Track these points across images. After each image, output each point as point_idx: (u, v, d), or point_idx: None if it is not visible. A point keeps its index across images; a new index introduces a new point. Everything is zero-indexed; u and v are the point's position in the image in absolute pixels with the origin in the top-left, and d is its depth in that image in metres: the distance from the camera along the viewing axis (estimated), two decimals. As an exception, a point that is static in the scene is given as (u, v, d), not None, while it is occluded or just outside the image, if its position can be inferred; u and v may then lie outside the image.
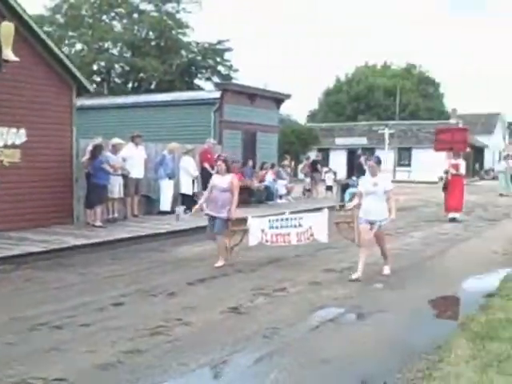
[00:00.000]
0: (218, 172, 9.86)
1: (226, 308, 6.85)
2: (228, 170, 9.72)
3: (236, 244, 9.86)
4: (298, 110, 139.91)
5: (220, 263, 9.40)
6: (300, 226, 9.47)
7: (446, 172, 16.62)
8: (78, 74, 13.87)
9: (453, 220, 16.08)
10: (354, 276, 8.40)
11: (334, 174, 27.15)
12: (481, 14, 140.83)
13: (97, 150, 13.56)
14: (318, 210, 10.36)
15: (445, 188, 16.70)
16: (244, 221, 10.00)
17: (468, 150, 17.36)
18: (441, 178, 30.20)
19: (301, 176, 26.90)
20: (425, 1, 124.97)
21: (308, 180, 25.06)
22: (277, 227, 9.53)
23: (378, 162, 8.70)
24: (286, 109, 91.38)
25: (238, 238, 9.88)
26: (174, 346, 5.54)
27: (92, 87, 16.34)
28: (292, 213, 10.07)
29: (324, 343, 5.64)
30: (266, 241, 9.61)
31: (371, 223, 8.46)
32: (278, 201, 21.11)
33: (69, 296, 7.55)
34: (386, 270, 8.83)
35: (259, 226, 9.68)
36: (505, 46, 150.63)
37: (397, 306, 7.07)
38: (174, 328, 6.08)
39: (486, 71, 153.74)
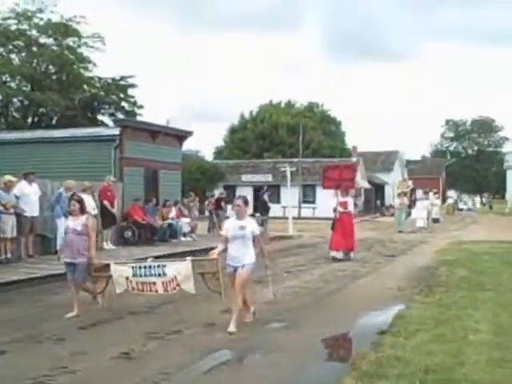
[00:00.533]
0: (71, 213, 8.98)
1: (116, 353, 6.59)
2: (82, 211, 8.87)
3: (101, 291, 9.11)
4: (206, 146, 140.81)
5: (73, 313, 8.54)
6: (164, 274, 8.43)
7: (335, 210, 16.36)
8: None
9: (336, 259, 15.74)
10: (230, 328, 7.58)
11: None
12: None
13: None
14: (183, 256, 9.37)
15: (333, 226, 16.35)
16: (107, 267, 9.14)
17: (355, 187, 17.91)
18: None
19: (207, 213, 26.79)
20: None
21: (211, 217, 25.02)
22: (140, 275, 8.56)
23: (245, 202, 7.99)
24: (194, 145, 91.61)
25: (102, 285, 9.13)
26: (56, 397, 5.24)
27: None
28: (156, 259, 9.20)
29: (216, 388, 5.51)
30: (133, 288, 8.68)
31: (235, 269, 7.89)
32: (182, 239, 20.90)
33: None
34: (249, 318, 8.17)
35: (123, 273, 8.76)
36: (398, 88, 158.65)
37: (292, 346, 7.04)
38: (57, 377, 5.76)
39: (382, 112, 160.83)
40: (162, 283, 8.43)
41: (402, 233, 27.20)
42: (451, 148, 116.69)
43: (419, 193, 39.91)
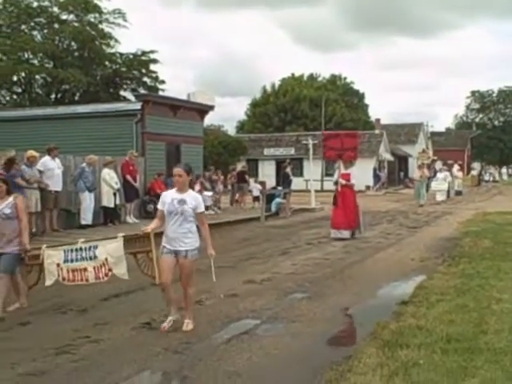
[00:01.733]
0: None
1: (138, 323, 6.66)
2: (8, 192, 7.43)
3: (34, 284, 7.90)
4: (228, 120, 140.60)
5: (16, 305, 7.52)
6: (95, 257, 7.22)
7: (336, 183, 15.09)
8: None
9: (339, 239, 14.24)
10: (166, 324, 6.49)
11: (261, 184, 27.22)
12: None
13: (9, 164, 13.07)
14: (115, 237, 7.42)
15: (335, 201, 15.02)
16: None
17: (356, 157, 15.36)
18: (367, 187, 30.72)
19: (230, 187, 26.82)
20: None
21: (234, 191, 25.07)
22: (72, 260, 7.35)
23: (188, 171, 6.50)
24: (217, 119, 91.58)
25: (35, 277, 7.89)
26: (78, 365, 5.32)
27: (4, 99, 15.79)
28: (87, 241, 7.77)
29: (236, 356, 5.54)
30: (63, 279, 7.44)
31: (176, 253, 6.44)
32: (205, 212, 20.94)
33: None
34: (188, 326, 6.46)
35: (54, 259, 7.52)
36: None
37: (314, 316, 7.04)
38: (81, 346, 5.85)
39: (406, 82, 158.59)
40: (94, 268, 7.23)
41: (423, 206, 26.02)
42: (477, 120, 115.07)
43: (439, 164, 39.12)
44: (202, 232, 6.64)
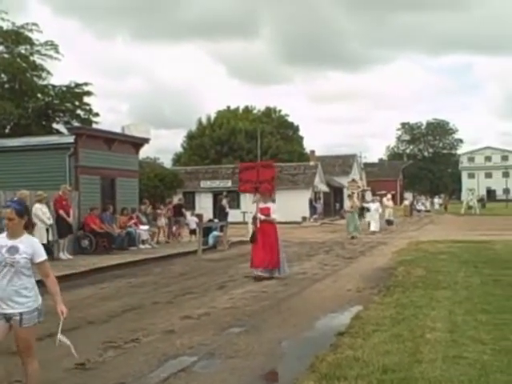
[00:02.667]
0: None
1: (72, 365, 6.44)
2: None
3: None
4: (164, 153, 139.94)
5: None
6: None
7: (254, 219, 13.89)
8: None
9: (259, 279, 12.99)
10: None
11: (198, 216, 27.03)
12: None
13: None
14: None
15: (253, 238, 13.69)
16: None
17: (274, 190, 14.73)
18: (304, 218, 30.44)
19: (166, 220, 26.56)
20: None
21: (170, 224, 24.86)
22: None
23: (21, 211, 5.03)
24: (152, 152, 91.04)
25: None
26: (8, 411, 5.09)
27: None
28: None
29: (174, 395, 5.44)
30: None
31: (7, 318, 4.95)
32: (141, 246, 20.72)
33: None
34: None
35: None
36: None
37: (251, 351, 7.00)
38: (10, 391, 5.61)
39: (339, 114, 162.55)
40: None
41: (356, 238, 25.21)
42: (408, 151, 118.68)
43: (369, 194, 39.46)
44: (47, 286, 5.24)
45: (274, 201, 14.05)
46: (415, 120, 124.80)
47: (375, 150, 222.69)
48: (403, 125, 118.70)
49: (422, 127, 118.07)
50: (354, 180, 34.03)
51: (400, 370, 5.74)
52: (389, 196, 39.51)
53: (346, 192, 57.51)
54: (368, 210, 31.85)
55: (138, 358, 6.68)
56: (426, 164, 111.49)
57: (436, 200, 70.10)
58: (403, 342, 6.82)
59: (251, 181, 14.00)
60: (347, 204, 28.17)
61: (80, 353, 6.87)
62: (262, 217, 13.51)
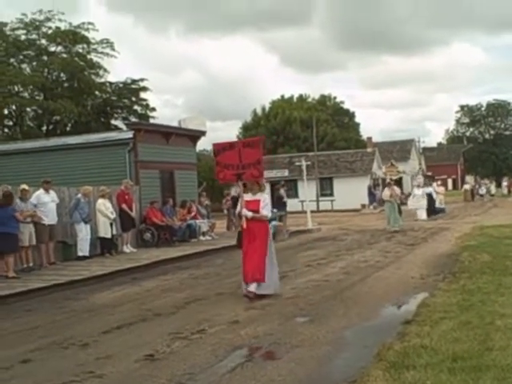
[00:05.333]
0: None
1: (141, 356, 6.58)
2: None
3: None
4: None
5: None
6: None
7: (240, 215, 10.51)
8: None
9: (250, 298, 9.63)
10: None
11: None
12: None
13: (9, 198, 13.09)
14: None
15: (239, 241, 10.39)
16: None
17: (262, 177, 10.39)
18: (363, 206, 28.37)
19: (225, 211, 26.78)
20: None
21: (229, 215, 25.03)
22: None
23: None
24: (210, 145, 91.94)
25: None
26: (83, 402, 5.24)
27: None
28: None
29: (241, 385, 5.47)
30: None
31: None
32: (202, 238, 20.94)
33: (-29, 356, 7.08)
34: None
35: None
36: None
37: (316, 340, 6.98)
38: (84, 382, 5.77)
39: (396, 99, 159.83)
40: None
41: (398, 232, 21.79)
42: (468, 134, 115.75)
43: (420, 178, 35.66)
44: None
45: (264, 191, 10.44)
46: (475, 102, 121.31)
47: (434, 135, 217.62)
48: (462, 107, 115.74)
49: (482, 109, 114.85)
50: (392, 164, 29.67)
51: (471, 358, 5.61)
52: (439, 182, 37.75)
53: (405, 178, 56.87)
54: (412, 195, 29.62)
55: (205, 349, 6.76)
56: (488, 146, 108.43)
57: (505, 183, 65.64)
58: (472, 329, 6.67)
59: (232, 165, 10.12)
60: (385, 193, 23.62)
61: (148, 344, 7.05)
62: (249, 213, 9.88)
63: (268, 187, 45.57)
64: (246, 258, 9.94)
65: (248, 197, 10.11)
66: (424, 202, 28.33)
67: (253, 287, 9.70)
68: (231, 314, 8.54)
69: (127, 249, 17.62)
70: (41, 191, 14.88)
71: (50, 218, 14.79)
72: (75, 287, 12.08)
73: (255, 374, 5.77)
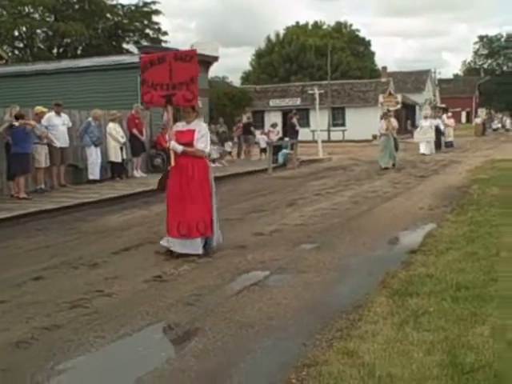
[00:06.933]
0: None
1: (149, 277, 6.71)
2: None
3: None
4: (233, 71, 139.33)
5: None
6: None
7: (169, 150, 7.98)
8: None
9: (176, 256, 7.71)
10: None
11: (272, 126, 26.53)
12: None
13: (19, 119, 13.07)
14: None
15: (161, 184, 8.62)
16: None
17: (199, 104, 8.67)
18: (374, 137, 26.44)
19: (236, 139, 26.70)
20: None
21: (240, 142, 25.00)
22: None
23: None
24: (222, 71, 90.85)
25: None
26: (92, 318, 5.37)
27: (6, 54, 15.69)
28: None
29: (247, 307, 5.58)
30: None
31: None
32: (212, 165, 20.89)
33: (-15, 272, 7.26)
34: None
35: None
36: None
37: (323, 266, 7.07)
38: (93, 300, 5.90)
39: (414, 28, 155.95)
40: None
41: (389, 169, 19.52)
42: (485, 65, 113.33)
43: (427, 109, 33.59)
44: None
45: (201, 119, 8.75)
46: (495, 32, 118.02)
47: (451, 66, 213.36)
48: (481, 38, 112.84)
49: (502, 40, 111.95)
50: (390, 94, 25.75)
51: (474, 288, 5.67)
52: (449, 114, 36.43)
53: (418, 110, 56.05)
54: (419, 127, 28.04)
55: (212, 272, 6.87)
56: (506, 79, 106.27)
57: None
58: (478, 260, 6.71)
59: (161, 85, 7.83)
60: (382, 125, 20.81)
61: (156, 266, 7.17)
62: (180, 147, 7.70)
63: (280, 116, 45.42)
64: (176, 205, 7.75)
65: (180, 126, 7.98)
66: (432, 135, 26.86)
67: (178, 245, 7.70)
68: (238, 239, 8.63)
69: (137, 173, 17.69)
70: (52, 113, 14.84)
71: (61, 140, 14.80)
72: (85, 210, 12.21)
73: (261, 297, 5.88)
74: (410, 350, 4.26)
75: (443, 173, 18.31)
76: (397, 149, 20.98)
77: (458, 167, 19.82)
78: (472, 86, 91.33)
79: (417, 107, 56.78)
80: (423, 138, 26.41)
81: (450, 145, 31.62)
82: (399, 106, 28.00)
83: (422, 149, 26.21)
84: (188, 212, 7.64)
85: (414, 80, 63.07)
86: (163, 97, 7.79)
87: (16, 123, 12.83)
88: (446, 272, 6.25)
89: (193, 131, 7.77)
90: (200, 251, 7.68)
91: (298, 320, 5.22)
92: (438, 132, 29.03)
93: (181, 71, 7.68)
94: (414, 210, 11.02)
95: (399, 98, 29.68)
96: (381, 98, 25.71)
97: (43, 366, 4.39)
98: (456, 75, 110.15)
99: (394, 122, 21.42)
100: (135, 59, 20.39)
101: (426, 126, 26.99)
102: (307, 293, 6.03)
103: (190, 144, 7.70)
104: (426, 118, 28.65)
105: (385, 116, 21.74)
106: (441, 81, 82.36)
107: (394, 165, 19.93)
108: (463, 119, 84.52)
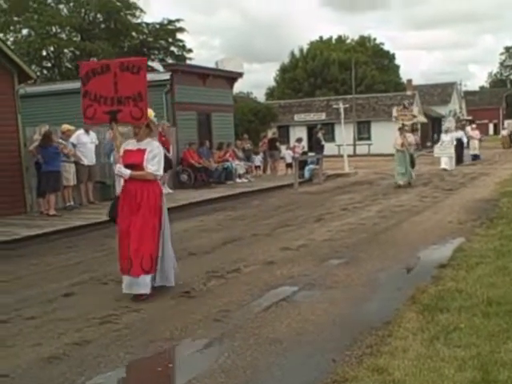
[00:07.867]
0: None
1: (177, 293, 6.74)
2: None
3: None
4: (257, 87, 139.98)
5: None
6: None
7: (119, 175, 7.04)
8: (18, 60, 13.48)
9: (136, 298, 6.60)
10: None
11: (298, 140, 26.28)
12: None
13: (49, 138, 13.30)
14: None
15: (112, 212, 7.71)
16: None
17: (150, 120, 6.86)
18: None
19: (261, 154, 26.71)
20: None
21: (266, 158, 25.04)
22: None
23: None
24: (246, 87, 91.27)
25: None
26: (122, 334, 5.42)
27: (35, 74, 15.98)
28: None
29: (276, 323, 5.58)
30: None
31: None
32: (238, 180, 21.04)
33: (17, 288, 7.38)
34: None
35: None
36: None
37: (351, 282, 7.04)
38: (123, 316, 5.95)
39: (438, 40, 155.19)
40: None
41: (404, 187, 18.14)
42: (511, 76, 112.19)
43: (451, 122, 32.15)
44: None
45: (154, 137, 7.38)
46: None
47: (477, 78, 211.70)
48: (507, 49, 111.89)
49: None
50: (404, 106, 25.00)
51: (506, 303, 5.58)
52: (473, 125, 35.00)
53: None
54: (440, 141, 26.94)
55: (241, 288, 6.88)
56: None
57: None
58: (509, 275, 6.62)
59: (104, 98, 6.81)
60: (397, 141, 19.68)
61: (185, 281, 7.19)
62: (126, 172, 6.67)
63: (305, 130, 45.43)
64: (125, 239, 6.67)
65: (131, 144, 6.85)
66: (451, 151, 25.51)
67: (126, 284, 6.64)
68: (266, 255, 8.64)
69: (164, 190, 17.70)
70: (81, 131, 15.04)
71: (88, 158, 15.00)
72: (113, 226, 12.28)
73: (289, 313, 5.87)
74: (441, 367, 4.22)
75: (471, 186, 18.12)
76: (413, 166, 19.70)
77: (486, 180, 19.61)
78: (499, 98, 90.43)
79: (443, 120, 56.32)
80: (443, 153, 25.59)
81: (476, 158, 30.87)
82: (416, 120, 26.45)
83: (443, 164, 25.33)
84: (133, 246, 6.51)
85: (440, 92, 62.65)
86: (107, 113, 6.77)
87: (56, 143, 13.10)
88: (477, 287, 6.18)
89: (143, 151, 6.67)
90: (148, 291, 6.58)
91: (327, 336, 5.20)
92: (461, 145, 28.25)
93: (128, 84, 6.66)
94: (443, 224, 10.92)
95: (415, 110, 28.24)
96: (394, 112, 23.53)
97: (75, 381, 4.44)
98: (482, 87, 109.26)
99: (410, 137, 20.26)
100: (160, 77, 20.68)
101: (446, 140, 26.08)
102: (336, 308, 6.00)
103: (138, 165, 6.65)
104: (446, 132, 27.49)
105: (399, 130, 20.10)
106: (467, 93, 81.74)
107: (409, 183, 18.76)
108: (491, 131, 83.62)
